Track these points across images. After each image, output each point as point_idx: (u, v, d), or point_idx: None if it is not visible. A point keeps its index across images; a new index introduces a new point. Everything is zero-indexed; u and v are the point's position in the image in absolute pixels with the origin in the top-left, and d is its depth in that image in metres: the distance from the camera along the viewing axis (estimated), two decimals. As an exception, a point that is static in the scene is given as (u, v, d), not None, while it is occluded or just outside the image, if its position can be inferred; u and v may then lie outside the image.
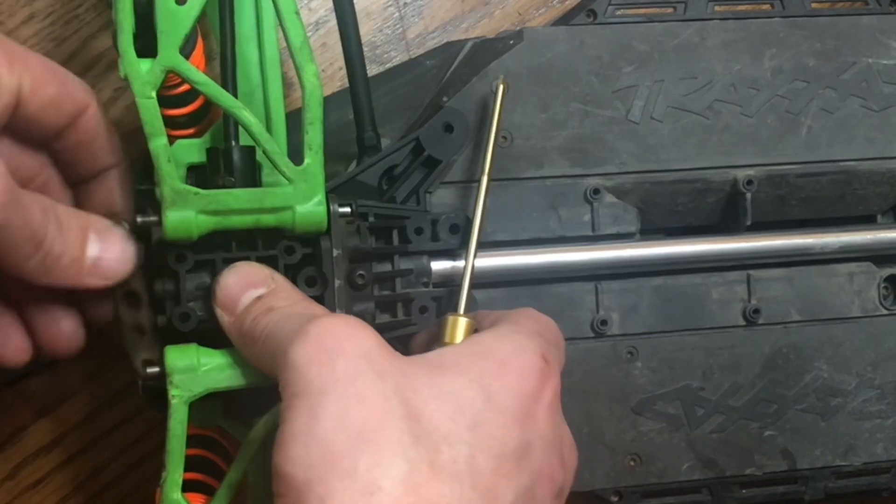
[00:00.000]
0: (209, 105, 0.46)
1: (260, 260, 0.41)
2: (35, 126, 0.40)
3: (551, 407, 0.37)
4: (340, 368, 0.33)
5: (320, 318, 0.35)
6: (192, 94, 0.44)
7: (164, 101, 0.43)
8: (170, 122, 0.44)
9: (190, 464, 0.42)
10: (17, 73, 0.38)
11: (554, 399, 0.37)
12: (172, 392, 0.39)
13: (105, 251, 0.39)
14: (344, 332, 0.34)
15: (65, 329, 0.42)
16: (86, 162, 0.42)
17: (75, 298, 0.42)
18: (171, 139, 0.43)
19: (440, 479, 0.32)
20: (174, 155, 0.43)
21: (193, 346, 0.40)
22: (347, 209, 0.43)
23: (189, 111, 0.45)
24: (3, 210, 0.35)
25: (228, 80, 0.42)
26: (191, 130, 0.47)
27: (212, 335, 0.41)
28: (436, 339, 0.41)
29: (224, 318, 0.39)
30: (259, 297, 0.38)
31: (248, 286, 0.39)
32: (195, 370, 0.40)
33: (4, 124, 0.38)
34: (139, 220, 0.41)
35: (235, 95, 0.42)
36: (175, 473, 0.40)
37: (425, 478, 0.32)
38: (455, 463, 0.33)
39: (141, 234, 0.41)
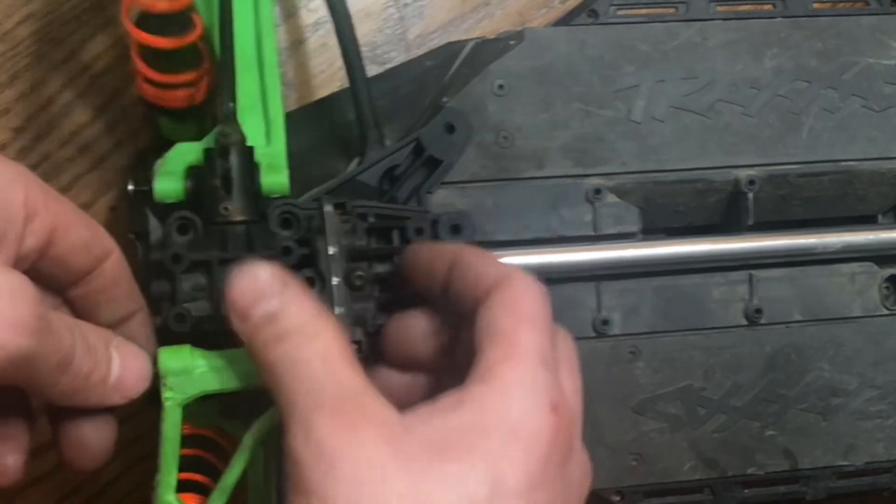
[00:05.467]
0: (197, 53, 0.46)
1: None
2: (62, 268, 0.39)
3: (565, 457, 0.35)
4: (346, 472, 0.32)
5: (326, 409, 0.34)
6: (179, 24, 0.44)
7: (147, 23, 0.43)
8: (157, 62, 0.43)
9: (186, 463, 0.42)
10: (52, 212, 0.37)
11: (567, 446, 0.35)
12: (166, 394, 0.39)
13: (126, 368, 0.39)
14: (350, 428, 0.33)
15: (92, 442, 0.40)
16: (107, 309, 0.41)
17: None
18: (165, 112, 0.43)
19: None
20: (174, 156, 0.43)
21: (187, 348, 0.40)
22: (341, 208, 0.42)
23: (175, 46, 0.44)
24: (35, 337, 0.33)
25: (229, 80, 0.42)
26: (180, 94, 0.46)
27: (209, 336, 0.41)
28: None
29: (234, 321, 0.37)
30: (271, 315, 0.36)
31: (259, 297, 0.37)
32: (189, 372, 0.39)
33: (34, 262, 0.37)
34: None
35: (235, 97, 0.42)
36: (169, 475, 0.40)
37: None
38: None
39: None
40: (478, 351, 0.36)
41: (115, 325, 0.41)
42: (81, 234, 0.39)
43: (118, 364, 0.38)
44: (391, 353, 0.43)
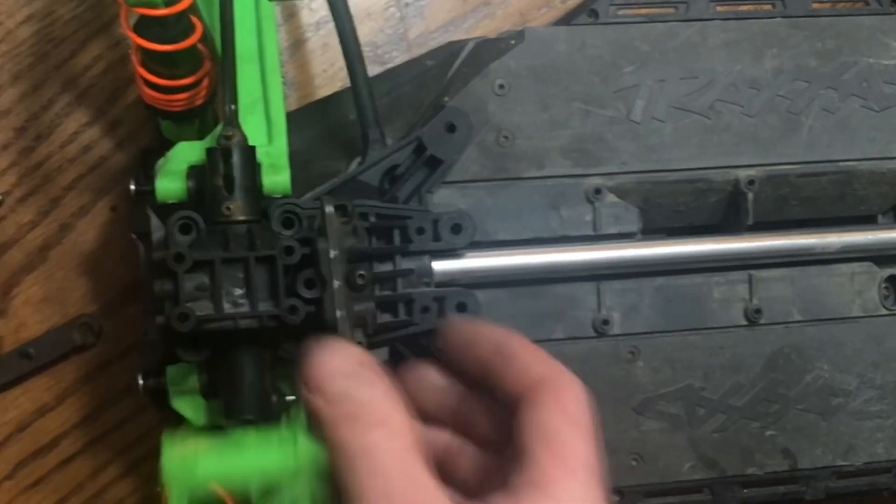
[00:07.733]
0: (198, 56, 0.46)
1: (259, 260, 0.41)
2: None
3: None
4: None
5: None
6: (179, 27, 0.44)
7: (146, 26, 0.43)
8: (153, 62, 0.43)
9: None
10: None
11: None
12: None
13: None
14: None
15: None
16: None
17: None
18: (166, 114, 0.42)
19: None
20: (176, 155, 0.43)
21: (192, 443, 0.40)
22: (342, 209, 0.42)
23: (175, 50, 0.44)
24: None
25: (230, 80, 0.42)
26: (182, 98, 0.46)
27: (210, 335, 0.41)
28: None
29: (306, 394, 0.37)
30: (346, 393, 0.37)
31: (336, 374, 0.37)
32: (193, 469, 0.39)
33: None
34: None
35: (236, 98, 0.42)
36: None
37: None
38: None
39: None
40: (527, 451, 0.36)
41: None
42: None
43: None
44: None
